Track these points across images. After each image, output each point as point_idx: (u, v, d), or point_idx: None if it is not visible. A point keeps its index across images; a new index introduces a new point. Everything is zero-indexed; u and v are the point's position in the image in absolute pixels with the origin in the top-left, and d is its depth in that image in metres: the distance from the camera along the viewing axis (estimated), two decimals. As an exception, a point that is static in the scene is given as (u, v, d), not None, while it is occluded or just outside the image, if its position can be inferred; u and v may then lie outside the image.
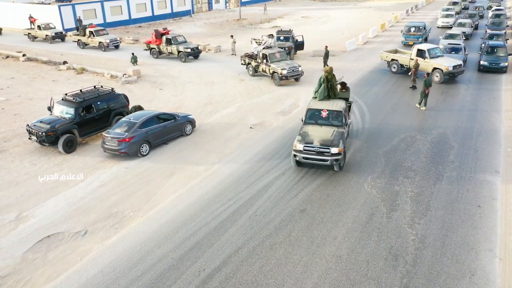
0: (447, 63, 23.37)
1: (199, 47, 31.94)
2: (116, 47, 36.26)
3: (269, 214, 11.81)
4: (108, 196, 13.10)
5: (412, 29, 34.06)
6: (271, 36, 28.49)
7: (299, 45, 31.55)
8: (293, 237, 10.82)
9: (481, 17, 43.11)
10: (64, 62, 30.18)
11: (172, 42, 31.21)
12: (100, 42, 35.75)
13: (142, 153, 15.67)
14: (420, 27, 33.95)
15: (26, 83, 26.38)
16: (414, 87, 22.76)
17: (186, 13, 58.25)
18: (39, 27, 40.23)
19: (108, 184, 13.84)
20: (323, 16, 54.61)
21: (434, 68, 23.40)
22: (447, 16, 42.95)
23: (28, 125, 16.55)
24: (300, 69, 24.64)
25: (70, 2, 51.01)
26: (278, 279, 9.40)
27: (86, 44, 36.86)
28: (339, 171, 13.96)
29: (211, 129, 18.33)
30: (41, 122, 16.32)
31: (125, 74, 26.64)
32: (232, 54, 32.94)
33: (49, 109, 17.37)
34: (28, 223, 11.78)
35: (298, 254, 10.18)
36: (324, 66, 27.20)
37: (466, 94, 22.06)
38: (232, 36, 35.02)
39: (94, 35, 36.05)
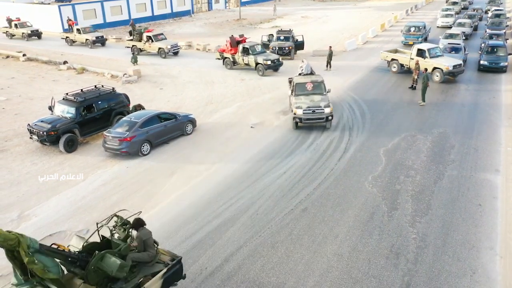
0: (447, 62, 23.41)
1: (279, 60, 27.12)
2: (176, 53, 32.82)
3: (270, 213, 11.84)
4: (110, 195, 13.12)
5: (412, 29, 34.11)
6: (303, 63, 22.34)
7: (299, 45, 31.59)
8: (294, 235, 10.85)
9: (480, 19, 43.26)
10: (65, 62, 30.20)
11: (250, 52, 26.92)
12: (160, 48, 32.17)
13: (143, 152, 15.70)
14: (420, 27, 34.01)
15: (27, 83, 26.39)
16: (414, 88, 22.80)
17: (186, 13, 58.27)
18: (78, 30, 37.78)
19: (109, 183, 13.86)
20: (323, 16, 54.65)
21: (434, 68, 23.44)
22: (446, 16, 43.02)
23: (29, 124, 16.58)
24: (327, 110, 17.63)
25: (70, 2, 51.01)
26: (280, 277, 9.43)
27: (141, 50, 33.22)
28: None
29: (211, 128, 18.36)
30: (42, 121, 16.34)
31: (125, 74, 26.67)
32: (232, 54, 32.89)
33: (50, 108, 17.39)
34: (30, 222, 11.81)
35: (299, 252, 10.21)
36: (327, 66, 27.25)
37: (466, 93, 22.11)
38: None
39: (152, 40, 32.43)
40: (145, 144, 15.76)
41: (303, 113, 17.00)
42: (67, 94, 17.31)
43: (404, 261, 9.80)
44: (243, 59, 27.47)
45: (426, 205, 11.99)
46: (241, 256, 10.12)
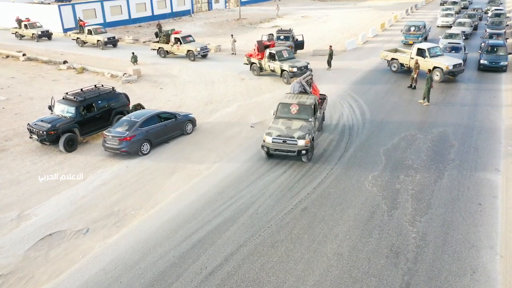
0: (447, 62, 23.40)
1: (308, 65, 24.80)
2: (205, 56, 31.40)
3: (270, 212, 11.83)
4: (110, 195, 13.11)
5: (412, 28, 34.11)
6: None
7: (299, 45, 31.59)
8: (294, 235, 10.85)
9: (480, 19, 43.30)
10: (64, 62, 30.19)
11: (276, 57, 24.73)
12: (189, 51, 30.65)
13: (143, 152, 15.69)
14: (420, 27, 34.00)
15: (27, 83, 26.38)
16: (414, 87, 22.80)
17: (186, 12, 58.27)
18: (89, 31, 36.68)
19: (109, 183, 13.86)
20: (323, 15, 54.64)
21: (434, 67, 23.42)
22: (446, 15, 43.02)
23: (29, 124, 16.57)
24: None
25: (69, 1, 51.00)
26: (280, 276, 9.42)
27: (168, 53, 32.12)
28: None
29: (211, 128, 18.35)
30: (42, 121, 16.33)
31: (125, 73, 26.66)
32: (232, 54, 32.96)
33: (50, 108, 17.38)
34: (30, 221, 11.80)
35: (299, 252, 10.20)
36: (329, 66, 27.24)
37: (466, 93, 22.10)
38: (232, 35, 35.04)
39: (181, 42, 30.92)
40: (145, 143, 15.76)
41: (272, 142, 14.37)
42: (67, 93, 17.31)
43: (404, 260, 9.79)
44: (269, 65, 25.38)
45: (426, 204, 11.99)
46: (241, 256, 10.11)
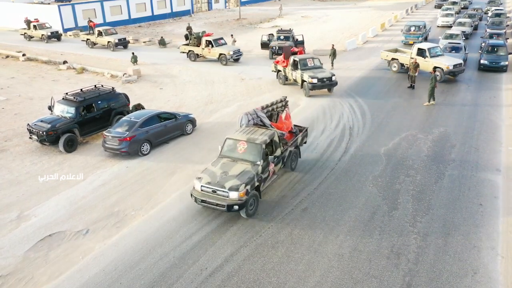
0: (447, 62, 23.37)
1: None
2: (237, 60, 29.91)
3: (270, 213, 11.80)
4: (110, 195, 13.08)
5: (412, 28, 34.08)
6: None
7: (299, 45, 31.51)
8: (295, 235, 10.81)
9: (480, 19, 43.32)
10: (64, 62, 30.16)
11: (299, 66, 22.37)
12: (221, 54, 29.20)
13: (143, 152, 15.66)
14: (420, 26, 33.98)
15: (26, 83, 26.35)
16: (413, 87, 22.79)
17: (186, 12, 58.24)
18: (100, 33, 35.87)
19: (109, 183, 13.82)
20: (323, 15, 54.61)
21: (435, 67, 23.40)
22: (447, 15, 43.00)
23: (28, 124, 16.53)
24: None
25: (69, 1, 50.96)
26: (280, 277, 9.39)
27: (198, 56, 30.73)
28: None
29: (211, 128, 18.31)
30: (41, 121, 16.30)
31: (125, 73, 26.63)
32: (232, 54, 32.91)
33: (50, 108, 17.35)
34: (30, 222, 11.77)
35: (300, 252, 10.17)
36: (332, 65, 27.22)
37: (467, 93, 22.07)
38: (232, 35, 35.01)
39: (213, 46, 29.39)
40: (145, 144, 15.72)
41: (201, 190, 11.50)
42: (66, 94, 17.27)
43: (405, 261, 9.76)
44: (291, 74, 23.12)
45: (427, 204, 11.95)
46: (241, 256, 10.08)
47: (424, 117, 18.83)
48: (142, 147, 15.61)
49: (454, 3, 50.95)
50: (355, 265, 9.67)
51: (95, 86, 18.40)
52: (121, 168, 14.84)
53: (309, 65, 22.51)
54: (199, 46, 30.34)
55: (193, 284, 9.26)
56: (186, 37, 32.39)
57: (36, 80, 27.06)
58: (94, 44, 36.61)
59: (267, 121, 13.47)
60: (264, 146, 12.03)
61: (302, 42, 31.59)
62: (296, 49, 24.93)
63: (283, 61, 24.05)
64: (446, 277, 9.22)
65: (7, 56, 33.82)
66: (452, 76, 23.88)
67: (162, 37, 37.85)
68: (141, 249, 10.47)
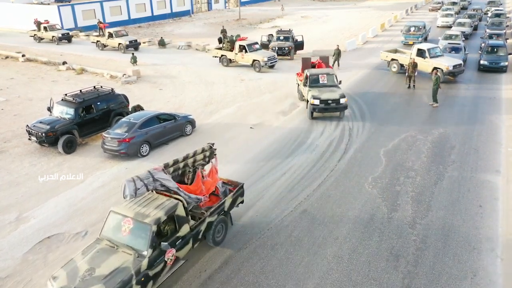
0: (447, 62, 23.36)
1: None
2: (272, 66, 27.83)
3: (270, 215, 11.78)
4: (109, 197, 13.06)
5: (412, 29, 34.06)
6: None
7: (299, 45, 31.56)
8: (294, 237, 10.79)
9: (480, 19, 43.33)
10: (64, 63, 30.13)
11: (308, 82, 19.22)
12: (255, 60, 27.31)
13: (142, 153, 15.64)
14: (420, 27, 33.96)
15: (26, 84, 26.33)
16: (410, 87, 22.84)
17: (186, 13, 58.21)
18: (110, 34, 34.86)
19: (108, 185, 13.80)
20: (323, 16, 54.60)
21: (434, 68, 23.39)
22: (446, 15, 43.00)
23: (27, 125, 16.50)
24: None
25: (69, 2, 50.94)
26: (280, 279, 9.37)
27: (231, 61, 28.90)
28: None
29: (211, 129, 18.29)
30: (40, 122, 16.27)
31: (124, 74, 26.61)
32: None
33: (49, 109, 17.33)
34: (28, 224, 11.74)
35: (299, 254, 10.15)
36: (338, 65, 27.21)
37: (466, 93, 22.06)
38: (232, 35, 34.94)
39: (246, 51, 27.65)
40: (144, 145, 15.70)
41: None
42: (66, 95, 17.25)
43: (404, 263, 9.74)
44: (303, 90, 20.10)
45: (426, 206, 11.93)
46: (240, 259, 10.06)
47: (423, 118, 18.81)
48: (141, 148, 15.59)
49: (453, 3, 50.94)
50: (354, 267, 9.65)
51: (94, 87, 18.36)
52: (120, 170, 14.82)
53: (320, 81, 19.18)
54: (232, 51, 28.48)
55: (191, 286, 9.23)
56: (220, 41, 30.50)
57: (36, 81, 27.05)
58: (105, 46, 35.66)
59: (171, 184, 9.63)
60: (155, 228, 8.52)
61: (301, 43, 31.59)
62: (314, 61, 21.78)
63: (300, 74, 21.46)
64: (445, 279, 9.20)
65: (7, 57, 33.80)
66: (451, 77, 23.86)
67: (162, 37, 37.82)
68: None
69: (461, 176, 13.57)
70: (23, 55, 32.75)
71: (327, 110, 18.44)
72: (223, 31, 33.78)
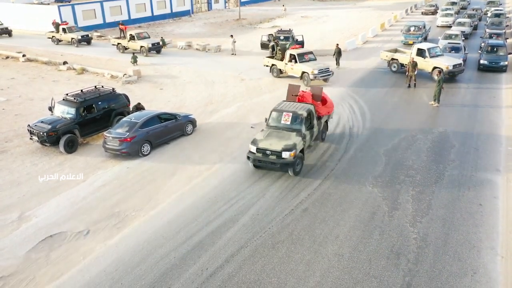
0: (447, 62, 23.40)
1: None
2: (326, 80, 24.31)
3: (271, 213, 11.83)
4: (110, 196, 13.11)
5: (412, 28, 34.11)
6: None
7: (299, 45, 31.53)
8: (295, 236, 10.85)
9: (480, 19, 43.40)
10: (64, 63, 30.17)
11: (270, 120, 14.79)
12: (304, 73, 23.85)
13: (143, 153, 15.69)
14: (420, 26, 34.01)
15: (27, 84, 26.38)
16: (410, 86, 22.91)
17: (186, 13, 58.24)
18: (132, 36, 33.65)
19: (109, 184, 13.86)
20: (323, 15, 54.63)
21: (434, 67, 23.43)
22: (446, 15, 43.05)
23: (29, 125, 16.56)
24: None
25: (69, 2, 50.95)
26: (281, 277, 9.43)
27: (281, 72, 25.70)
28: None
29: (212, 128, 18.34)
30: (42, 122, 16.32)
31: (125, 74, 26.66)
32: (232, 54, 32.96)
33: (50, 109, 17.38)
34: (31, 223, 11.80)
35: (300, 252, 10.21)
36: (337, 64, 27.26)
37: (466, 93, 22.11)
38: (232, 36, 35.03)
39: (296, 61, 24.34)
40: (145, 144, 15.76)
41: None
42: (67, 94, 17.30)
43: (405, 261, 9.80)
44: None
45: (427, 205, 11.99)
46: (241, 257, 10.11)
47: (423, 117, 18.86)
48: (142, 148, 15.64)
49: (453, 3, 50.98)
50: (355, 265, 9.71)
51: (95, 86, 18.42)
52: (121, 169, 14.87)
53: (282, 122, 14.44)
54: (283, 60, 25.46)
55: (193, 285, 9.29)
56: (272, 49, 27.21)
57: (36, 80, 27.09)
58: (126, 48, 34.38)
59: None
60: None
61: (301, 43, 31.63)
62: (300, 94, 16.09)
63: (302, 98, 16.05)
64: (445, 277, 9.25)
65: (7, 57, 33.83)
66: (451, 76, 23.89)
67: (162, 37, 37.83)
68: (142, 249, 10.51)
69: (461, 175, 13.63)
70: (23, 55, 32.78)
71: (262, 163, 13.65)
72: (276, 38, 30.08)
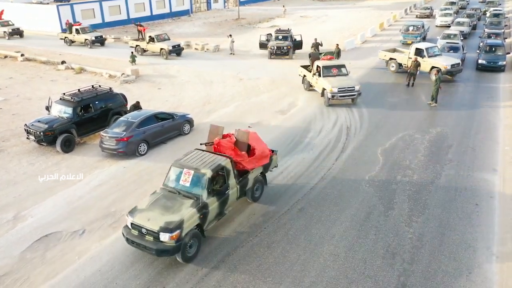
0: (445, 61, 23.39)
1: None
2: (353, 100, 20.59)
3: (267, 213, 11.81)
4: (107, 195, 13.09)
5: (411, 28, 34.11)
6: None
7: (298, 45, 31.57)
8: (290, 235, 10.83)
9: (479, 19, 43.40)
10: (63, 62, 30.14)
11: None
12: (324, 89, 20.55)
13: (140, 152, 15.66)
14: (419, 26, 34.00)
15: (25, 83, 26.35)
16: (409, 85, 22.90)
17: (185, 12, 58.20)
18: (151, 38, 32.09)
19: (106, 183, 13.83)
20: (322, 15, 54.59)
21: (432, 67, 23.42)
22: (445, 15, 43.04)
23: (26, 124, 16.53)
24: None
25: (68, 2, 50.90)
26: (276, 277, 9.41)
27: (311, 85, 22.64)
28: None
29: (209, 128, 18.26)
30: (39, 121, 16.29)
31: (123, 73, 26.63)
32: (231, 54, 32.92)
33: (47, 108, 17.36)
34: (26, 222, 11.77)
35: (295, 252, 10.19)
36: None
37: (464, 92, 22.10)
38: (230, 35, 34.99)
39: (320, 75, 20.96)
40: (142, 144, 15.73)
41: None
42: (64, 94, 17.27)
43: (400, 261, 9.78)
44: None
45: (423, 204, 11.98)
46: (236, 257, 10.09)
47: (421, 117, 18.85)
48: (139, 147, 15.62)
49: (452, 3, 50.98)
50: (351, 265, 9.69)
51: (92, 86, 18.39)
52: (118, 169, 14.85)
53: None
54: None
55: (188, 284, 9.28)
56: (309, 56, 24.30)
57: (34, 80, 27.06)
58: (144, 51, 32.93)
59: None
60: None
61: (300, 42, 31.61)
62: (215, 142, 13.23)
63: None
64: (441, 277, 9.24)
65: (6, 56, 33.80)
66: (450, 76, 23.89)
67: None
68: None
69: (458, 174, 13.61)
70: (22, 55, 32.74)
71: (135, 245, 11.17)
72: (316, 45, 27.39)
